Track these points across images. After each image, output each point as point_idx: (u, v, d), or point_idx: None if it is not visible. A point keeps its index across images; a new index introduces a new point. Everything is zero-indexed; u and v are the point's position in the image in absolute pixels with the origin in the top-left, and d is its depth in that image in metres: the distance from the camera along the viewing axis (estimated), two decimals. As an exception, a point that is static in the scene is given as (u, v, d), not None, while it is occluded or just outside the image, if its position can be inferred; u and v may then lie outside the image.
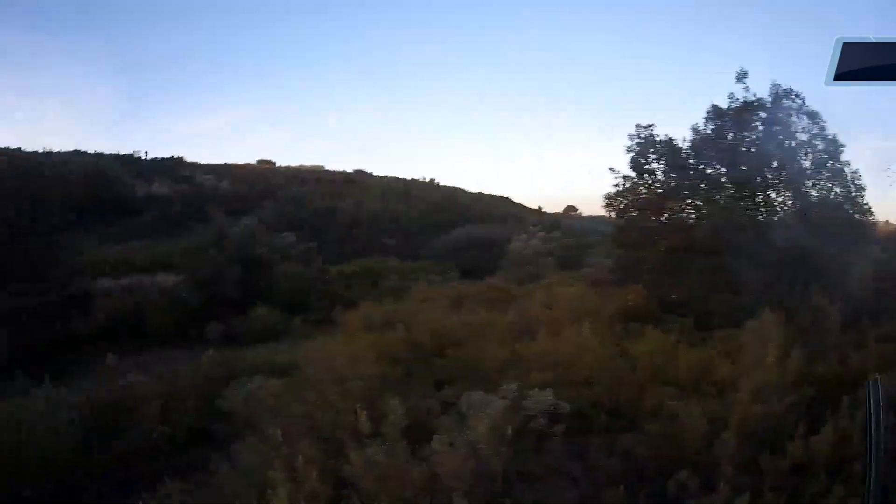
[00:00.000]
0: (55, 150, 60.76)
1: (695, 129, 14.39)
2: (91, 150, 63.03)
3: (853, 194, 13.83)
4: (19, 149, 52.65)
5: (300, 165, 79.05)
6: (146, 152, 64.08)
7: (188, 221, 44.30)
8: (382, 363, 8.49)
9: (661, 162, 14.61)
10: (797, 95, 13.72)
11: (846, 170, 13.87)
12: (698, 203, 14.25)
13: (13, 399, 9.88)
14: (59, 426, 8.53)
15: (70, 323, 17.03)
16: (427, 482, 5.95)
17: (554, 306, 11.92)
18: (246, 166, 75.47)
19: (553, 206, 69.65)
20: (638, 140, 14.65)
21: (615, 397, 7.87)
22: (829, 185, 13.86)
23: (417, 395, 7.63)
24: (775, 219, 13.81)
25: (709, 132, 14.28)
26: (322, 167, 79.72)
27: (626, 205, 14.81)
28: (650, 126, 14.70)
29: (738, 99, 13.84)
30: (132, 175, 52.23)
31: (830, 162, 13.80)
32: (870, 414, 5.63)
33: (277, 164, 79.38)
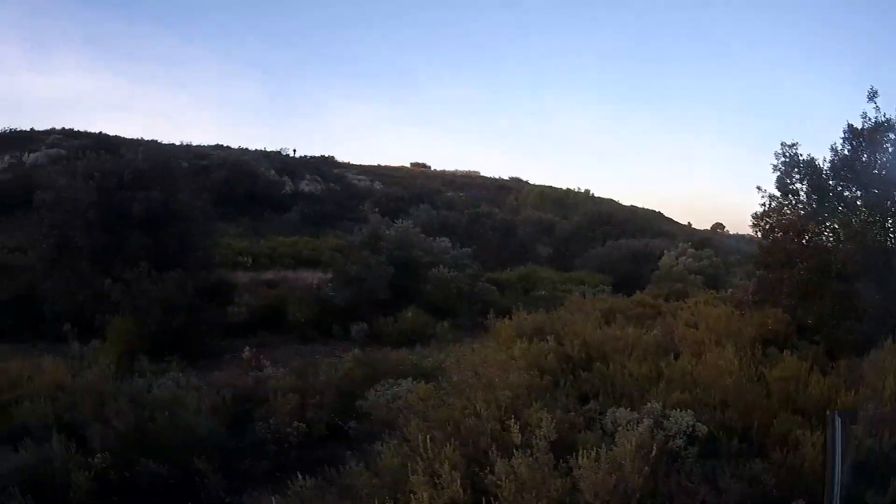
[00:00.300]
0: (195, 143, 63.86)
1: (833, 150, 13.91)
2: (234, 145, 65.86)
3: None
4: (155, 140, 55.61)
5: (455, 170, 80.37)
6: (294, 150, 66.18)
7: (338, 220, 45.52)
8: (532, 373, 8.35)
9: (804, 182, 14.15)
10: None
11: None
12: (836, 226, 13.73)
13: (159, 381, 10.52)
14: (203, 412, 8.92)
15: (209, 313, 17.34)
16: (566, 495, 5.89)
17: (699, 325, 11.68)
18: (400, 168, 77.02)
19: (702, 222, 69.33)
20: (783, 159, 14.22)
21: (748, 422, 7.67)
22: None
23: (562, 408, 7.52)
24: None
25: (846, 153, 13.75)
26: (477, 172, 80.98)
27: (772, 225, 14.31)
28: (794, 145, 14.20)
29: (870, 119, 13.19)
30: (279, 171, 53.78)
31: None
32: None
33: (432, 168, 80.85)
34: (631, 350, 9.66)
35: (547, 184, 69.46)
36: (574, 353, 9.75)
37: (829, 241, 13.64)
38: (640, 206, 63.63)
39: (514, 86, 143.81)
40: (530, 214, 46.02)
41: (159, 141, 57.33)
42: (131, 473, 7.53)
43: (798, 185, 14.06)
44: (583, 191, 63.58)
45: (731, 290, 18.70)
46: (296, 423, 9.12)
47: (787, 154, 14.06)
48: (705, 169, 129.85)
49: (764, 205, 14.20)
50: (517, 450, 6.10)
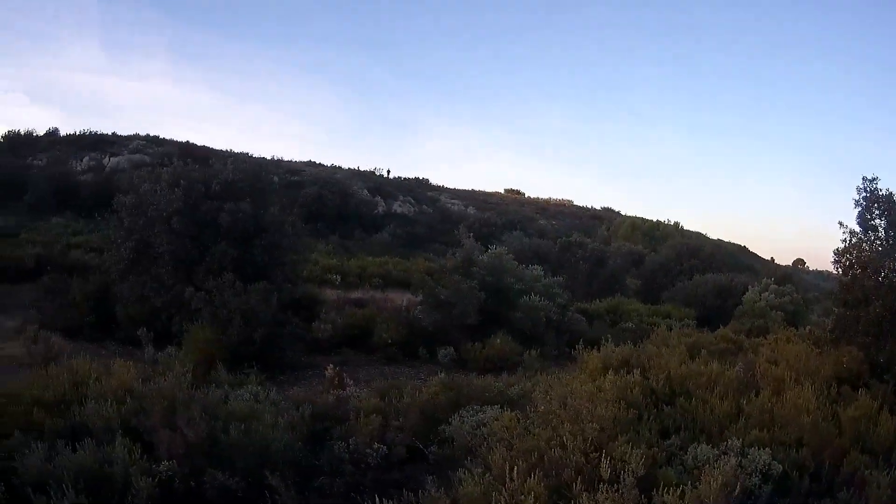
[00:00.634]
0: (286, 158, 64.96)
1: None
2: (327, 163, 66.90)
3: None
4: (246, 153, 56.75)
5: (549, 198, 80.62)
6: (388, 170, 66.94)
7: (429, 243, 45.69)
8: (619, 405, 8.40)
9: (883, 218, 14.03)
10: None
11: None
12: None
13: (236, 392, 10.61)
14: (280, 427, 8.85)
15: (293, 327, 17.35)
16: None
17: (778, 362, 11.73)
18: (494, 194, 77.32)
19: (784, 257, 69.54)
20: (864, 194, 14.04)
21: (820, 460, 7.78)
22: None
23: (646, 442, 7.54)
24: None
25: None
26: (571, 201, 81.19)
27: (851, 262, 14.15)
28: (875, 180, 14.12)
29: None
30: (371, 191, 54.38)
31: None
32: None
33: (526, 195, 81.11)
34: (713, 386, 9.85)
35: (638, 215, 69.64)
36: (658, 386, 9.88)
37: None
38: (725, 239, 64.21)
39: (609, 116, 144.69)
40: (621, 245, 46.28)
41: (250, 154, 58.76)
42: (197, 483, 7.44)
43: (878, 221, 14.00)
44: (672, 223, 63.88)
45: (809, 327, 18.48)
46: (376, 445, 8.96)
47: (868, 189, 13.96)
48: (790, 204, 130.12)
49: (845, 241, 14.16)
50: (603, 484, 6.22)
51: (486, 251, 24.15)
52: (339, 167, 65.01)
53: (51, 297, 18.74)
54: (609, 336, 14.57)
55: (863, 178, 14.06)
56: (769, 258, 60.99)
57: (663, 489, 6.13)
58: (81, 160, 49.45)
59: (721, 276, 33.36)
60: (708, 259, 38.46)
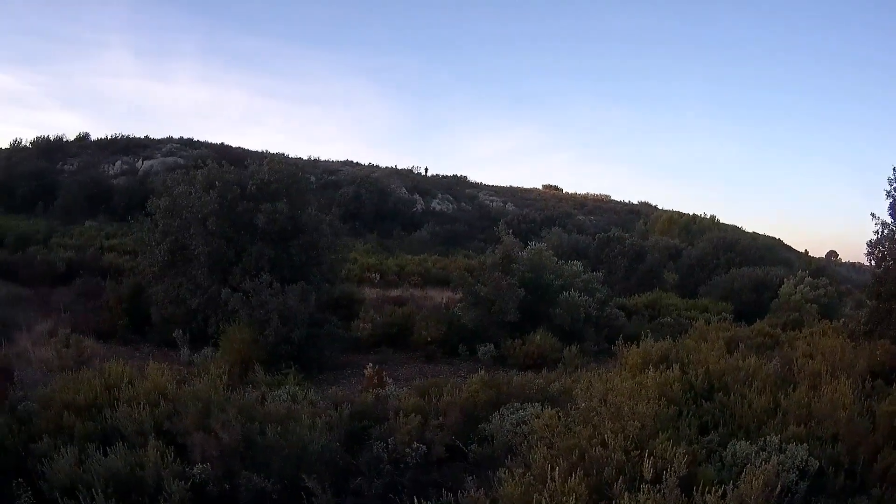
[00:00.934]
0: (322, 158, 65.25)
1: None
2: (364, 162, 67.16)
3: None
4: (282, 154, 57.05)
5: (586, 193, 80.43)
6: (426, 168, 66.98)
7: (468, 240, 45.63)
8: (659, 402, 8.38)
9: None
10: None
11: None
12: None
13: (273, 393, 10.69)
14: (318, 428, 8.74)
15: (331, 327, 17.33)
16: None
17: (814, 356, 11.64)
18: (532, 190, 77.15)
19: (817, 249, 68.84)
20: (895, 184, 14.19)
21: (854, 457, 7.65)
22: None
23: (686, 440, 7.49)
24: None
25: None
26: (608, 196, 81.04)
27: (884, 254, 14.33)
28: None
29: None
30: (410, 190, 54.41)
31: None
32: None
33: (564, 191, 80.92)
34: (751, 380, 9.73)
35: (675, 209, 69.19)
36: (697, 382, 9.80)
37: None
38: (761, 232, 63.84)
39: (647, 111, 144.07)
40: (658, 240, 45.92)
41: (286, 154, 59.06)
42: (231, 486, 7.41)
43: None
44: (708, 217, 63.25)
45: (843, 319, 18.61)
46: (415, 444, 8.84)
47: None
48: (825, 195, 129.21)
49: (877, 232, 14.26)
50: (646, 484, 6.15)
51: (525, 247, 24.06)
52: (377, 166, 65.29)
53: (84, 299, 18.89)
54: (648, 331, 14.72)
55: (893, 169, 13.98)
56: (803, 251, 60.51)
57: (704, 488, 6.05)
58: (114, 164, 50.10)
59: (757, 270, 33.30)
60: (744, 252, 38.22)
